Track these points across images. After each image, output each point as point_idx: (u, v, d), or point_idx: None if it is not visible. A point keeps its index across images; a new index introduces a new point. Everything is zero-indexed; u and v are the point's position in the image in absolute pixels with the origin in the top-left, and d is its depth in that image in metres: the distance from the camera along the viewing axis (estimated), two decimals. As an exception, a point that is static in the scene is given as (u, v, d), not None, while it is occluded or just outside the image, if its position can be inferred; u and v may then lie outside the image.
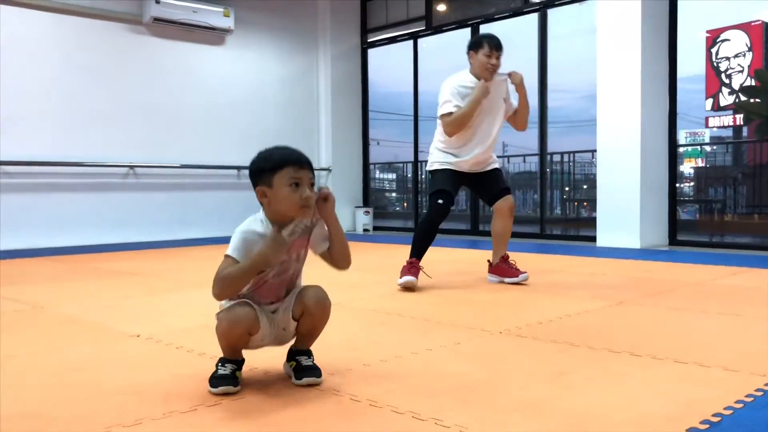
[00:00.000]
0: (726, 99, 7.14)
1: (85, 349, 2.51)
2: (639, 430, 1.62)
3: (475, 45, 3.94)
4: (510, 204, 4.04)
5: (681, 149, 7.46)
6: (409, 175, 10.47)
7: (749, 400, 1.83)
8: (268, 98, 9.01)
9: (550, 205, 8.97)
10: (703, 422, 1.66)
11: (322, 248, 2.04)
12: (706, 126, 8.24)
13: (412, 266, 3.81)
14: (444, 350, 2.43)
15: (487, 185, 4.03)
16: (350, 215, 9.63)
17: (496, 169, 4.05)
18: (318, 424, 1.69)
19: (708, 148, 9.22)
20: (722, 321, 2.94)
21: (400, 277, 3.77)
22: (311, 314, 2.03)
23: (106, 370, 2.21)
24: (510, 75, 3.98)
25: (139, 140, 7.78)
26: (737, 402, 1.81)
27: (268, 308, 2.00)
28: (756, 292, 3.69)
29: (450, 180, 3.95)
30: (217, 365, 1.96)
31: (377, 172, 11.68)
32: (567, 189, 10.26)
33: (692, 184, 9.64)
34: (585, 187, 11.21)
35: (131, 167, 7.73)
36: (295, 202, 1.89)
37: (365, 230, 9.42)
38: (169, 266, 5.21)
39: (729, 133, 8.91)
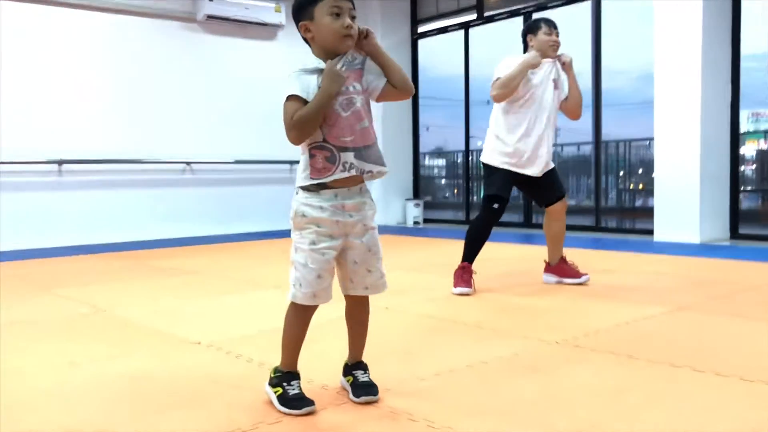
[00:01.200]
0: None
1: (147, 357, 2.58)
2: (704, 459, 1.59)
3: (532, 28, 3.88)
4: (565, 206, 3.99)
5: (742, 130, 7.17)
6: (459, 161, 10.40)
7: (820, 425, 1.77)
8: (320, 92, 9.04)
9: (605, 191, 8.81)
10: (771, 451, 1.61)
11: (381, 82, 2.02)
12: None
13: (465, 272, 3.79)
14: (499, 362, 2.42)
15: (543, 188, 3.95)
16: (401, 208, 9.64)
17: (553, 169, 3.98)
18: (376, 446, 1.70)
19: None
20: (789, 331, 2.85)
21: (455, 286, 3.75)
22: (357, 306, 2.10)
23: (169, 381, 2.27)
24: (559, 57, 3.90)
25: (195, 137, 7.92)
26: (808, 428, 1.75)
27: (348, 154, 1.94)
28: (825, 296, 3.56)
29: (507, 183, 3.85)
30: (282, 385, 1.97)
31: (426, 159, 11.56)
32: (621, 174, 10.02)
33: (754, 167, 9.31)
34: (640, 171, 10.96)
35: (187, 163, 7.89)
36: (337, 30, 1.91)
37: (416, 223, 9.41)
38: (224, 264, 5.31)
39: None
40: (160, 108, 7.65)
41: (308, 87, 1.91)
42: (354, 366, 2.12)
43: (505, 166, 3.83)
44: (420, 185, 10.02)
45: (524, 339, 2.76)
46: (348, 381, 2.10)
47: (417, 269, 4.76)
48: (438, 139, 11.88)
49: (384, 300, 2.05)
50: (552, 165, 3.97)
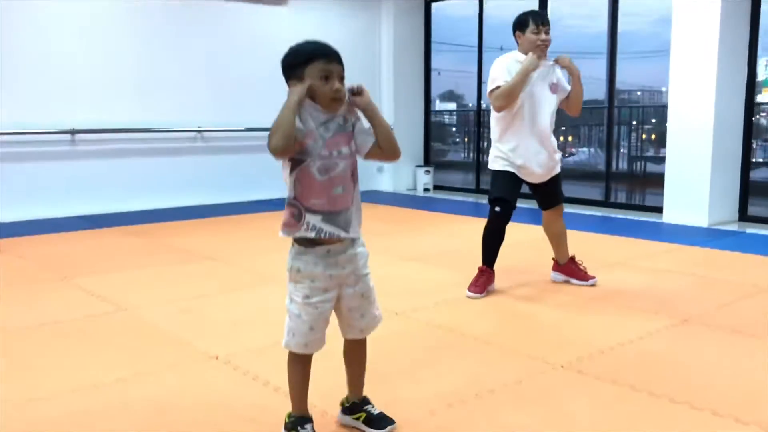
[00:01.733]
0: None
1: (166, 377, 2.69)
2: None
3: (520, 24, 3.80)
4: (562, 209, 4.07)
5: (759, 78, 7.06)
6: (471, 108, 10.33)
7: (809, 486, 1.87)
8: (331, 58, 8.99)
9: (617, 144, 8.75)
10: None
11: (368, 145, 2.06)
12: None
13: (481, 276, 3.87)
14: (505, 392, 2.52)
15: (544, 193, 3.98)
16: (411, 174, 9.68)
17: (558, 176, 4.00)
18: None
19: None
20: (788, 355, 2.93)
21: (468, 290, 3.83)
22: (355, 349, 2.19)
23: (187, 413, 2.38)
24: (557, 60, 3.88)
25: (206, 104, 7.93)
26: (796, 489, 1.85)
27: (315, 216, 2.00)
28: (827, 308, 3.63)
29: (510, 184, 3.86)
30: (297, 429, 2.08)
31: (437, 102, 11.43)
32: (634, 134, 9.97)
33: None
34: (654, 121, 10.93)
35: (199, 131, 7.92)
36: (326, 94, 1.95)
37: (425, 189, 9.47)
38: (239, 247, 5.40)
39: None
40: (172, 76, 7.63)
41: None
42: (362, 402, 2.23)
43: (507, 168, 3.84)
44: (431, 151, 10.03)
45: (529, 360, 2.85)
46: (360, 418, 2.21)
47: (428, 260, 4.83)
48: (450, 83, 11.60)
49: (396, 301, 2.12)
50: (557, 170, 3.98)
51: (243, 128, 8.20)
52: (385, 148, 2.06)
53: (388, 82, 9.46)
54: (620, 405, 2.42)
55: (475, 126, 9.64)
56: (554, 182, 3.97)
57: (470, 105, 15.13)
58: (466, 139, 13.52)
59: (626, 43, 8.05)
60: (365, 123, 2.06)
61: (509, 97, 3.67)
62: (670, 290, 4.01)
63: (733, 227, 6.31)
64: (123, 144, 7.41)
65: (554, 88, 3.85)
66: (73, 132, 7.00)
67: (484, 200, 8.44)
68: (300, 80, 1.95)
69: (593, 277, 4.07)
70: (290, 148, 1.92)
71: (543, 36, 3.73)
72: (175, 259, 4.91)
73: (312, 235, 2.01)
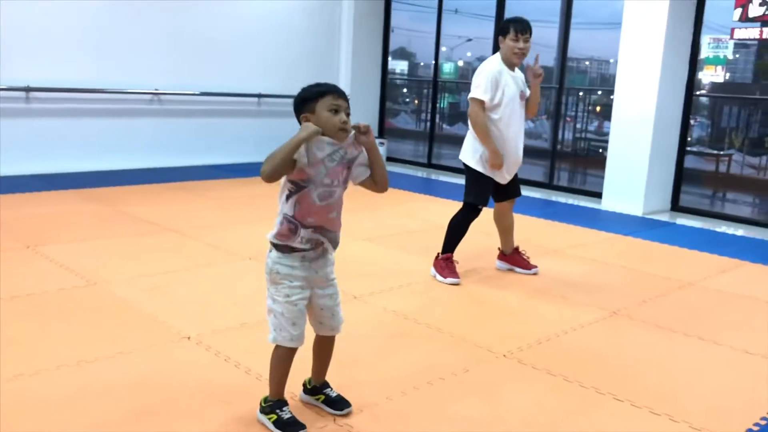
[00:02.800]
0: (756, 9, 7.03)
1: (143, 357, 2.90)
2: (609, 508, 2.03)
3: (502, 30, 4.09)
4: (514, 201, 4.39)
5: (702, 56, 7.49)
6: (423, 64, 10.47)
7: (704, 473, 2.24)
8: (291, 27, 9.06)
9: (564, 114, 9.13)
10: (661, 501, 2.07)
11: (363, 177, 2.34)
12: (731, 37, 8.28)
13: (449, 263, 4.18)
14: (454, 380, 2.83)
15: (503, 187, 4.28)
16: (365, 145, 9.87)
17: (516, 174, 4.31)
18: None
19: (730, 57, 9.25)
20: (700, 351, 3.33)
21: (444, 277, 4.13)
22: (324, 343, 2.47)
23: (167, 392, 2.60)
24: (531, 68, 4.16)
25: (164, 67, 7.93)
26: (693, 475, 2.22)
27: (308, 230, 2.26)
28: (740, 304, 4.07)
29: (488, 192, 4.20)
30: (276, 412, 2.34)
31: (389, 60, 11.48)
32: (581, 104, 10.40)
33: (707, 100, 9.84)
34: (600, 92, 11.42)
35: (156, 94, 7.92)
36: (334, 124, 2.20)
37: (379, 161, 9.70)
38: (200, 218, 5.56)
39: (754, 45, 9.01)
40: (129, 37, 7.60)
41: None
42: (322, 386, 2.53)
43: (486, 173, 4.14)
44: (385, 126, 10.24)
45: (476, 348, 3.17)
46: (319, 399, 2.51)
47: (382, 240, 5.10)
48: (403, 41, 11.63)
49: (353, 285, 2.38)
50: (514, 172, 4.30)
51: (200, 92, 8.24)
52: (379, 183, 2.36)
53: (346, 53, 9.58)
54: (554, 395, 2.76)
55: (430, 96, 9.85)
56: (515, 178, 4.28)
57: (422, 64, 15.32)
58: (416, 101, 13.77)
59: (577, 13, 8.33)
60: (364, 157, 2.31)
61: (476, 128, 4.05)
62: (602, 282, 4.39)
63: (665, 217, 6.78)
64: (79, 104, 7.39)
65: (522, 95, 4.16)
66: (27, 90, 6.95)
67: (435, 176, 8.76)
68: (312, 113, 2.20)
69: (535, 266, 4.42)
70: (276, 179, 2.18)
71: (521, 44, 4.02)
72: (139, 230, 5.04)
73: (307, 246, 2.28)
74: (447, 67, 12.51)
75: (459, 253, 4.26)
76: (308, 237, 2.28)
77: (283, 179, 2.25)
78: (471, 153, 4.16)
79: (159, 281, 3.91)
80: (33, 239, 4.57)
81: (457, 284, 4.10)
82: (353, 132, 2.26)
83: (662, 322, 3.69)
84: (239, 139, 8.76)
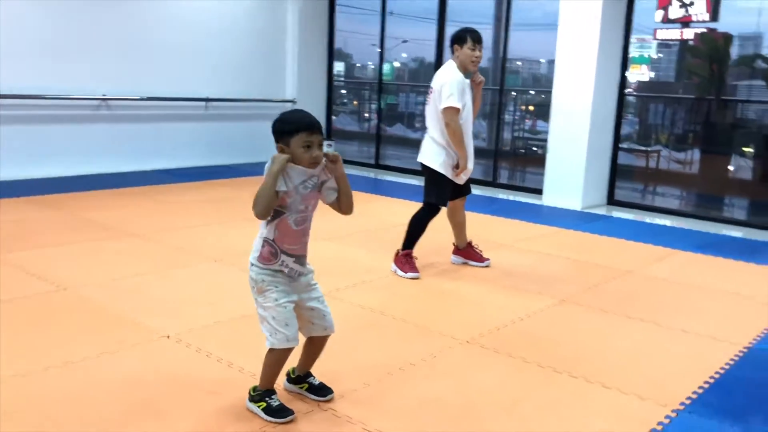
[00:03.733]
0: (676, 11, 7.49)
1: (128, 356, 3.03)
2: (573, 468, 2.30)
3: (459, 39, 4.33)
4: (466, 198, 4.66)
5: (630, 55, 7.97)
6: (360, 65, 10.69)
7: (651, 435, 2.53)
8: (237, 30, 9.14)
9: (502, 112, 9.47)
10: (617, 460, 2.35)
11: (331, 198, 2.52)
12: (655, 38, 8.80)
13: (409, 258, 4.41)
14: (423, 365, 3.07)
15: (458, 187, 4.54)
16: (312, 147, 10.03)
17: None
18: (344, 456, 2.31)
19: (655, 56, 9.77)
20: (642, 332, 3.65)
21: (405, 272, 4.36)
22: (317, 342, 2.64)
23: (157, 387, 2.74)
24: (475, 76, 4.44)
25: (111, 72, 7.91)
26: (643, 437, 2.51)
27: (289, 258, 2.47)
28: (675, 289, 4.44)
29: (448, 190, 4.44)
30: (265, 400, 2.52)
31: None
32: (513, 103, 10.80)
33: (634, 99, 10.40)
34: (532, 92, 11.89)
35: (103, 99, 7.90)
36: (306, 160, 2.39)
37: (326, 162, 9.88)
38: (159, 220, 5.64)
39: (676, 45, 9.59)
40: (75, 43, 7.56)
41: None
42: (305, 375, 2.72)
43: (448, 174, 4.37)
44: (332, 128, 10.42)
45: (440, 336, 3.41)
46: (303, 387, 2.70)
47: (340, 239, 5.29)
48: (337, 41, 11.69)
49: (320, 283, 2.56)
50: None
51: (149, 97, 8.25)
52: (344, 206, 2.56)
53: (293, 57, 9.72)
54: (515, 375, 3.02)
55: (373, 97, 10.07)
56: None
57: (358, 65, 15.52)
58: (355, 103, 13.99)
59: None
60: (332, 183, 2.51)
61: (453, 136, 4.26)
62: (549, 272, 4.70)
63: (602, 211, 7.20)
64: (25, 110, 7.31)
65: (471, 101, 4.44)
66: (-29, 96, 6.85)
67: (383, 176, 8.99)
68: (287, 146, 2.39)
69: (488, 259, 4.70)
70: (269, 214, 2.41)
71: (477, 53, 4.31)
72: (100, 235, 5.09)
73: (285, 270, 2.48)
74: (385, 68, 12.78)
75: (416, 249, 4.49)
76: (289, 265, 2.48)
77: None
78: (434, 156, 4.40)
79: (130, 284, 4.01)
80: (-6, 247, 4.58)
81: (417, 278, 4.34)
82: (324, 160, 2.45)
83: (607, 307, 4.01)
84: (188, 143, 8.80)
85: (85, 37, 7.62)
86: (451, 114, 4.25)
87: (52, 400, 2.59)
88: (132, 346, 3.13)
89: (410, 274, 4.35)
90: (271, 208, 2.39)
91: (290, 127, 2.39)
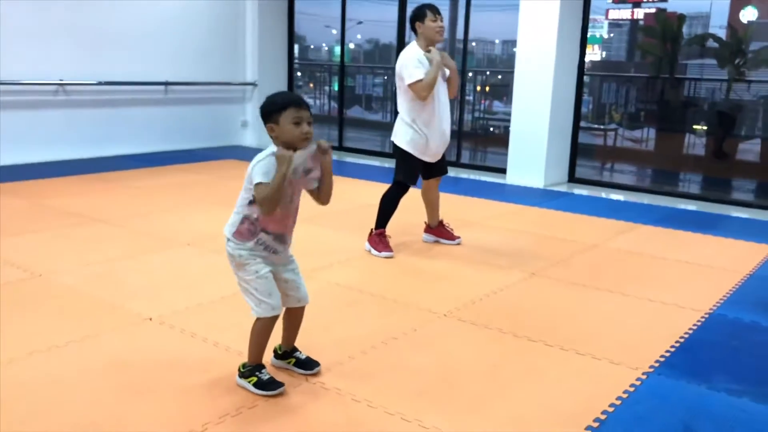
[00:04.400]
0: None
1: (112, 339, 3.04)
2: (553, 430, 2.41)
3: (419, 16, 4.37)
4: (439, 181, 4.74)
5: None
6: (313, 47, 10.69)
7: (625, 396, 2.67)
8: (197, 13, 9.03)
9: (462, 98, 9.59)
10: (595, 420, 2.47)
11: (312, 186, 2.60)
12: (606, 18, 9.00)
13: (383, 237, 4.49)
14: (406, 339, 3.15)
15: (432, 165, 4.59)
16: (275, 130, 10.01)
17: (443, 154, 4.66)
18: (333, 427, 2.38)
19: (606, 36, 10.00)
20: (610, 301, 3.80)
21: (379, 251, 4.43)
22: (294, 313, 2.71)
23: (145, 367, 2.77)
24: (446, 59, 4.49)
25: (69, 57, 7.76)
26: (618, 399, 2.64)
27: (268, 236, 2.51)
28: (639, 261, 4.61)
29: (417, 168, 4.51)
30: (255, 374, 2.57)
31: None
32: (470, 84, 10.96)
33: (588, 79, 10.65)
34: (488, 72, 12.04)
35: (61, 84, 7.74)
36: (297, 135, 2.42)
37: (289, 145, 9.86)
38: (125, 206, 5.59)
39: (626, 25, 9.85)
40: (32, 27, 7.38)
41: (269, 171, 2.41)
42: (291, 350, 2.78)
43: (415, 153, 4.44)
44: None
45: (419, 311, 3.50)
46: (290, 362, 2.76)
47: (315, 221, 5.30)
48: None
49: (300, 265, 2.64)
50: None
51: (106, 81, 8.11)
52: (323, 197, 2.64)
53: (252, 39, 9.64)
54: (493, 345, 3.14)
55: (332, 79, 10.06)
56: (443, 157, 4.63)
57: (312, 47, 15.42)
58: (311, 85, 13.96)
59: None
60: (317, 173, 2.57)
61: (431, 87, 4.30)
62: (518, 247, 4.83)
63: (564, 188, 7.37)
64: (-22, 96, 7.13)
65: (444, 76, 4.49)
66: (-77, 83, 6.64)
67: (347, 158, 9.03)
68: (276, 123, 2.42)
69: (458, 237, 4.81)
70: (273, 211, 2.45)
71: (440, 23, 4.37)
72: (67, 222, 5.03)
73: (260, 249, 2.52)
74: (339, 50, 12.79)
75: (389, 228, 4.56)
76: (266, 243, 2.52)
77: (247, 184, 2.47)
78: (401, 135, 4.46)
79: (104, 269, 3.99)
80: (-41, 236, 4.50)
81: (391, 257, 4.41)
82: (314, 145, 2.49)
83: (575, 279, 4.15)
84: (148, 128, 8.69)
85: (41, 21, 7.44)
86: (419, 87, 4.29)
87: (41, 385, 2.60)
88: (115, 329, 3.14)
89: (384, 254, 4.42)
90: (279, 202, 2.43)
91: (279, 104, 2.43)
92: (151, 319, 3.26)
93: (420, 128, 4.40)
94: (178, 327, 3.17)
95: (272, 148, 2.46)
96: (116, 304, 3.44)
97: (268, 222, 2.50)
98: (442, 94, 4.47)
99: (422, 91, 4.29)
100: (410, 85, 4.31)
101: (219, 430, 2.32)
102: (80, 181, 6.63)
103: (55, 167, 7.25)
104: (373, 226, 4.56)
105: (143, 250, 4.42)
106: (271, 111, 2.45)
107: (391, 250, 4.45)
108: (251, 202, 2.49)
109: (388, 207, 4.53)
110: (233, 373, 2.66)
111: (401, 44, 8.87)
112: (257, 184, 2.41)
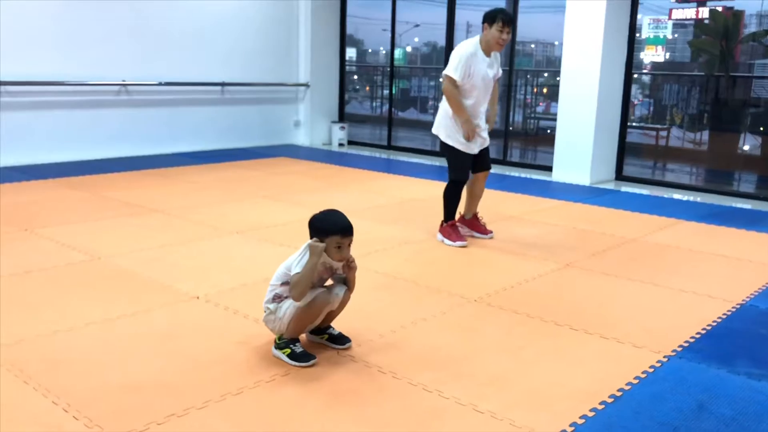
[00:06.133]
0: None
1: (161, 314, 3.28)
2: (569, 405, 2.52)
3: (490, 19, 4.49)
4: (488, 173, 4.86)
5: (644, 35, 8.11)
6: (371, 50, 10.93)
7: (643, 376, 2.75)
8: (251, 15, 9.36)
9: (514, 98, 9.66)
10: (610, 396, 2.57)
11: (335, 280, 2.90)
12: (669, 18, 8.92)
13: (454, 228, 4.70)
14: (434, 320, 3.30)
15: (476, 159, 4.74)
16: (326, 130, 10.27)
17: (487, 147, 4.80)
18: (358, 393, 2.54)
19: (669, 37, 9.90)
20: (641, 291, 3.85)
21: (453, 241, 4.63)
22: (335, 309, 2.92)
23: (189, 338, 3.00)
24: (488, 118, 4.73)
25: (131, 58, 8.17)
26: (635, 378, 2.73)
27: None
28: (676, 254, 4.63)
29: (467, 164, 4.68)
30: (289, 346, 2.77)
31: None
32: (528, 87, 11.00)
33: (648, 79, 10.56)
34: (546, 75, 12.02)
35: (123, 85, 8.16)
36: (336, 258, 2.76)
37: (340, 144, 10.10)
38: (181, 198, 5.89)
39: (691, 24, 9.73)
40: (96, 31, 7.81)
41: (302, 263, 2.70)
42: (326, 327, 2.97)
43: (462, 149, 4.60)
44: (345, 110, 10.63)
45: (450, 296, 3.64)
46: (324, 338, 2.95)
47: (356, 214, 5.47)
48: (348, 28, 11.86)
49: None
50: (488, 142, 4.79)
51: (166, 82, 8.50)
52: (344, 301, 2.91)
53: (305, 40, 9.91)
54: (519, 327, 3.25)
55: (384, 82, 10.25)
56: (486, 151, 4.80)
57: (370, 50, 15.67)
58: (367, 88, 14.18)
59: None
60: (341, 275, 2.89)
61: (451, 102, 4.52)
62: (556, 241, 4.91)
63: (611, 186, 7.37)
64: (47, 96, 7.58)
65: (495, 77, 4.66)
66: (-2, 84, 7.13)
67: (395, 156, 9.20)
68: (322, 242, 2.70)
69: (491, 232, 4.91)
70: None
71: (504, 36, 4.49)
72: (126, 212, 5.35)
73: None
74: (396, 53, 12.97)
75: (426, 218, 4.70)
76: None
77: (283, 270, 2.79)
78: (447, 132, 4.62)
79: (157, 254, 4.26)
80: (28, 224, 4.85)
81: (464, 246, 4.60)
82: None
83: (609, 270, 4.21)
84: (205, 127, 9.06)
85: (103, 24, 7.87)
86: (447, 81, 4.47)
87: (95, 350, 2.84)
88: (164, 306, 3.38)
89: (458, 243, 4.61)
90: (307, 291, 2.72)
91: (325, 230, 2.71)
92: (198, 297, 3.50)
93: (454, 118, 4.55)
94: (223, 305, 3.39)
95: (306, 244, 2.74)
96: (167, 284, 3.69)
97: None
98: (482, 96, 4.60)
99: (445, 91, 4.49)
100: (445, 75, 4.49)
101: (253, 393, 2.51)
102: (140, 176, 6.99)
103: (116, 163, 7.66)
104: (441, 218, 4.78)
105: (195, 237, 4.68)
106: (318, 231, 2.73)
107: (464, 240, 4.64)
108: (284, 283, 2.78)
109: (449, 201, 4.71)
110: (270, 346, 2.85)
111: (450, 47, 8.99)
112: (295, 274, 2.70)
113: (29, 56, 7.31)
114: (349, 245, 2.76)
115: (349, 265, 2.81)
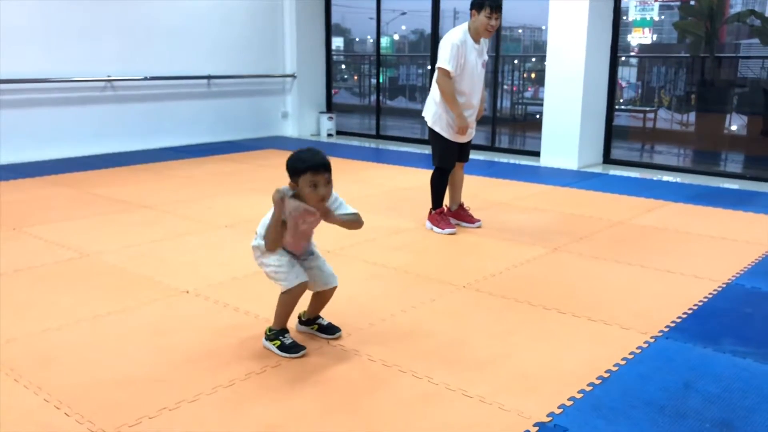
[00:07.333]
0: None
1: (151, 309, 3.29)
2: (558, 387, 2.54)
3: (477, 5, 4.46)
4: (463, 164, 4.89)
5: (631, 18, 8.12)
6: (358, 39, 10.91)
7: (631, 357, 2.78)
8: (235, 6, 9.32)
9: (502, 84, 9.67)
10: (598, 378, 2.60)
11: (316, 225, 2.79)
12: (656, 0, 8.93)
13: (443, 215, 4.72)
14: (424, 307, 3.32)
15: (460, 148, 4.76)
16: (314, 120, 10.25)
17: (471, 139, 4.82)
18: (348, 382, 2.56)
19: (656, 19, 9.92)
20: (629, 273, 3.89)
21: (442, 228, 4.65)
22: (323, 294, 2.90)
23: (180, 332, 3.01)
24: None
25: (115, 54, 8.13)
26: (623, 359, 2.76)
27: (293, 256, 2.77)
28: (663, 236, 4.67)
29: (454, 152, 4.68)
30: (279, 338, 2.78)
31: None
32: (516, 72, 11.01)
33: (635, 68, 10.59)
34: (534, 59, 12.05)
35: (108, 81, 8.12)
36: (312, 199, 2.64)
37: (329, 135, 10.09)
38: (169, 193, 5.89)
39: (677, 5, 9.75)
40: (79, 26, 7.76)
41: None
42: (315, 317, 2.98)
43: (451, 138, 4.60)
44: (332, 100, 10.61)
45: (439, 283, 3.66)
46: (314, 328, 2.97)
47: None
48: (335, 16, 11.84)
49: (327, 242, 2.82)
50: (474, 134, 4.81)
51: (151, 76, 8.46)
52: (350, 229, 2.83)
53: (291, 32, 9.88)
54: (508, 312, 3.27)
55: (371, 71, 10.24)
56: (469, 143, 4.82)
57: (357, 39, 15.61)
58: (355, 77, 14.16)
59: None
60: (318, 219, 2.74)
61: (445, 96, 4.46)
62: (543, 225, 4.94)
63: (598, 169, 7.41)
64: (32, 94, 7.53)
65: (484, 63, 4.63)
66: (-18, 82, 7.07)
67: (384, 146, 9.20)
68: (296, 184, 2.62)
69: (478, 220, 4.92)
70: (280, 245, 2.68)
71: (493, 22, 4.45)
72: (113, 208, 5.34)
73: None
74: (383, 42, 12.92)
75: (410, 210, 4.72)
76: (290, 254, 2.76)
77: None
78: (435, 118, 4.61)
79: (146, 249, 4.26)
80: (16, 222, 4.84)
81: (453, 233, 4.62)
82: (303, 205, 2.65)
83: (597, 253, 4.25)
84: (192, 120, 9.03)
85: (87, 20, 7.82)
86: (441, 74, 4.45)
87: (85, 346, 2.85)
88: (154, 301, 3.39)
89: (447, 230, 4.63)
90: (280, 239, 2.66)
91: (298, 168, 2.59)
92: (188, 291, 3.50)
93: (449, 111, 4.54)
94: (213, 298, 3.40)
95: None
96: (156, 279, 3.70)
97: (289, 245, 2.74)
98: (476, 82, 4.57)
99: (440, 84, 4.45)
100: (438, 68, 4.46)
101: (244, 385, 2.53)
102: (127, 171, 6.97)
103: (103, 159, 7.63)
104: (429, 207, 4.79)
105: (184, 232, 4.68)
106: (291, 172, 2.63)
107: (453, 227, 4.65)
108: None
109: (436, 188, 4.72)
110: (260, 338, 2.87)
111: (435, 35, 8.99)
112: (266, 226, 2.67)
113: (12, 54, 7.25)
114: (328, 183, 2.62)
115: (326, 210, 2.65)
